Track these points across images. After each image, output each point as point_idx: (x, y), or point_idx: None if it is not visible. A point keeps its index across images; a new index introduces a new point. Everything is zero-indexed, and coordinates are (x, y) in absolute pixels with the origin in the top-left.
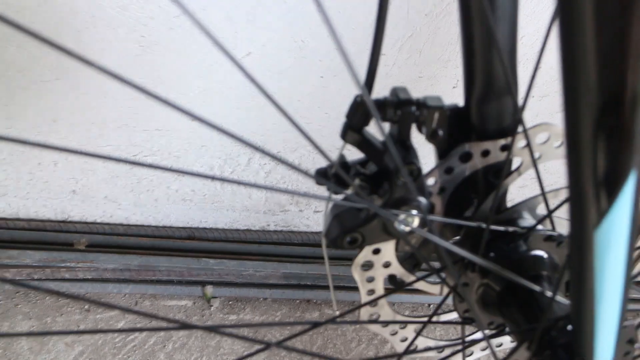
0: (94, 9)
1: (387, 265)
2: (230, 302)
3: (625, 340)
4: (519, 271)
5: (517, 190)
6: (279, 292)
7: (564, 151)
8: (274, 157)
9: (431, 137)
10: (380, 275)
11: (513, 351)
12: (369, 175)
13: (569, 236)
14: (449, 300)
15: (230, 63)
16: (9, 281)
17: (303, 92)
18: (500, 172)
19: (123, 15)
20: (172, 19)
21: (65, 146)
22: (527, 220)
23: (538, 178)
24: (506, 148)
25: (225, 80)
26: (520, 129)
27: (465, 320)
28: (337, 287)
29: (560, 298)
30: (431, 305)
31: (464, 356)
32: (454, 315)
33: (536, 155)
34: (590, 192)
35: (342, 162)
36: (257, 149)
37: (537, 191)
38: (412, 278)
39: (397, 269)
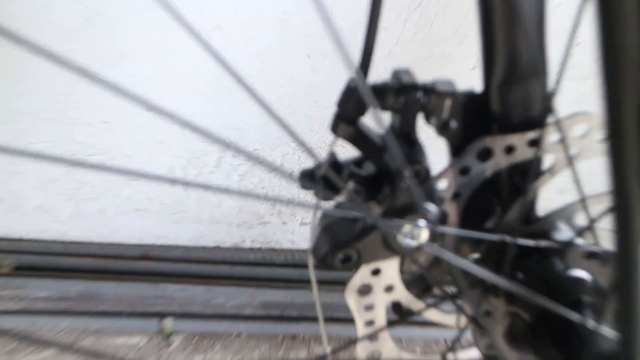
0: None
1: (389, 289)
2: (194, 339)
3: None
4: (554, 296)
5: (555, 196)
6: (257, 326)
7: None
8: (249, 156)
9: (442, 129)
10: (381, 302)
11: None
12: (366, 177)
13: (615, 252)
14: (468, 334)
15: (194, 39)
16: None
17: (286, 76)
18: (528, 173)
19: None
20: None
21: None
22: (564, 233)
23: (576, 180)
24: (535, 143)
25: (188, 60)
26: (552, 119)
27: (488, 359)
28: (328, 319)
29: (606, 329)
30: (447, 341)
31: None
32: (474, 353)
33: (573, 151)
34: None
35: (333, 162)
36: (228, 145)
37: (577, 196)
38: (421, 306)
39: (402, 295)
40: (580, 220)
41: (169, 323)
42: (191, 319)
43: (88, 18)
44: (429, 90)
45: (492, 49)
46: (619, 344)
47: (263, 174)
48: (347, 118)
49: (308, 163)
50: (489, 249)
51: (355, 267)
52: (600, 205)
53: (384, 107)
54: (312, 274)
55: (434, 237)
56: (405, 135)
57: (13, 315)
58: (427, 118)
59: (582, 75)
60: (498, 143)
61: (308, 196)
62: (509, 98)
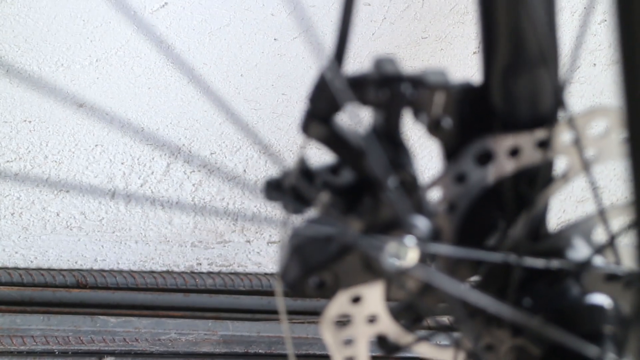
0: None
1: (372, 320)
2: None
3: None
4: (568, 327)
5: (573, 207)
6: None
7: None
8: (201, 164)
9: (433, 128)
10: (363, 335)
11: None
12: (343, 187)
13: (634, 273)
14: None
15: (136, 20)
16: None
17: (248, 63)
18: (536, 180)
19: None
20: None
21: None
22: (580, 251)
23: (593, 188)
24: (545, 144)
25: (130, 46)
26: (564, 115)
27: None
28: (302, 357)
29: None
30: None
31: None
32: None
33: (589, 153)
34: None
35: (304, 169)
36: (175, 152)
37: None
38: (410, 339)
39: (387, 326)
40: (600, 235)
41: None
42: (136, 358)
43: None
44: (417, 82)
45: (492, 31)
46: None
47: (223, 183)
48: (319, 116)
49: (276, 170)
50: (491, 271)
51: (332, 293)
52: (624, 217)
53: (363, 102)
54: (280, 302)
55: (425, 257)
56: (389, 136)
57: None
58: (416, 115)
59: (606, 60)
60: (500, 144)
61: (276, 210)
62: (513, 90)
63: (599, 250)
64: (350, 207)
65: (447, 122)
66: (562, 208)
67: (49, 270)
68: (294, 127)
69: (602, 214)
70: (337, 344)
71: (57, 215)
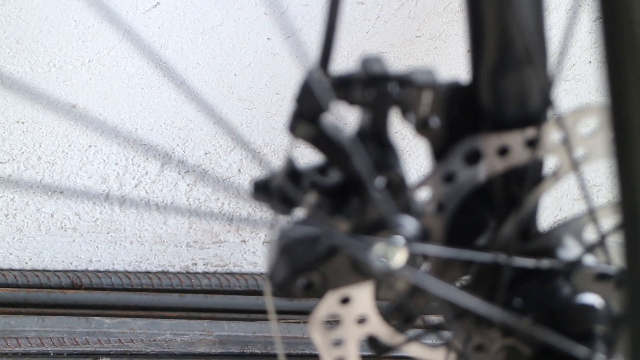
0: None
1: (362, 320)
2: None
3: None
4: (558, 327)
5: (570, 205)
6: None
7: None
8: (192, 168)
9: (421, 128)
10: (352, 336)
11: None
12: (331, 188)
13: (623, 272)
14: None
15: (128, 20)
16: None
17: (242, 62)
18: (526, 179)
19: None
20: None
21: None
22: (571, 251)
23: (582, 187)
24: (534, 143)
25: (122, 46)
26: (553, 113)
27: None
28: (293, 357)
29: None
30: None
31: None
32: None
33: (579, 152)
34: None
35: (291, 169)
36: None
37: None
38: (401, 340)
39: (377, 327)
40: (591, 235)
41: None
42: (131, 359)
43: None
44: (404, 81)
45: (480, 30)
46: None
47: (217, 183)
48: (306, 116)
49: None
50: (481, 271)
51: (320, 294)
52: (615, 216)
53: (350, 102)
54: (270, 303)
55: (414, 258)
56: (376, 136)
57: None
58: (403, 115)
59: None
60: (489, 143)
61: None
62: (501, 89)
63: (590, 249)
64: (338, 207)
65: (435, 122)
66: (559, 206)
67: (43, 271)
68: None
69: (592, 213)
70: (327, 344)
71: (52, 216)
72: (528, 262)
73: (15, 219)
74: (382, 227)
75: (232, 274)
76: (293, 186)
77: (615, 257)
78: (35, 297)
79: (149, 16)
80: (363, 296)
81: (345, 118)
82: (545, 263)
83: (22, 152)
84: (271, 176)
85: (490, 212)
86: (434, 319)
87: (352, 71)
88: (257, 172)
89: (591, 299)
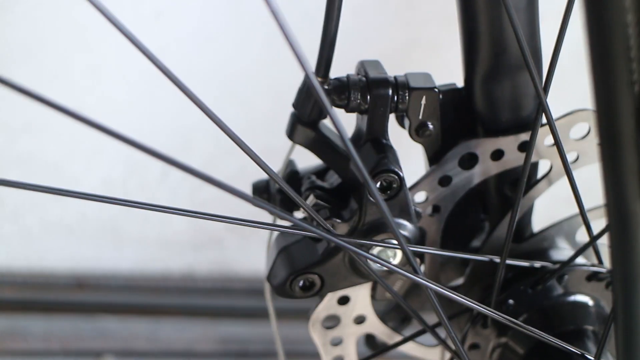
0: None
1: (360, 320)
2: None
3: None
4: (550, 326)
5: (566, 208)
6: None
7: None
8: (187, 170)
9: (417, 133)
10: (351, 335)
11: None
12: (330, 191)
13: (612, 272)
14: None
15: (132, 29)
16: None
17: (243, 69)
18: (519, 182)
19: None
20: None
21: None
22: (563, 252)
23: (574, 190)
24: (527, 147)
25: (126, 54)
26: (545, 118)
27: None
28: (294, 355)
29: None
30: None
31: None
32: None
33: (570, 156)
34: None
35: (291, 172)
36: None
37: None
38: (398, 339)
39: (375, 326)
40: (582, 236)
41: None
42: (134, 357)
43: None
44: (402, 85)
45: (473, 35)
46: None
47: (219, 185)
48: (305, 121)
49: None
50: (476, 272)
51: (319, 295)
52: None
53: (347, 107)
54: (269, 303)
55: (410, 259)
56: (373, 139)
57: None
58: (400, 119)
59: None
60: (484, 147)
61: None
62: (495, 94)
63: (581, 251)
64: (336, 210)
65: (431, 126)
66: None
67: (49, 271)
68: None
69: (583, 215)
70: (325, 344)
71: (58, 218)
72: (521, 263)
73: (23, 221)
74: (379, 230)
75: (234, 274)
76: (291, 190)
77: (606, 258)
78: (40, 297)
79: (152, 25)
80: (361, 297)
81: (343, 122)
82: (537, 264)
83: (30, 155)
84: (271, 178)
85: (485, 215)
86: (430, 319)
87: (349, 76)
88: (257, 175)
89: (582, 298)
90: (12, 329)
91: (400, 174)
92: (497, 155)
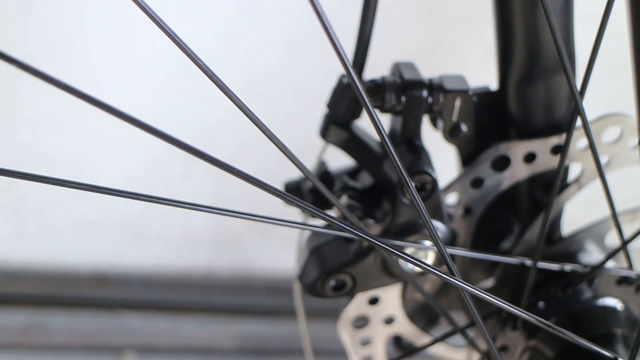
0: None
1: (389, 321)
2: None
3: None
4: (581, 329)
5: (587, 210)
6: None
7: None
8: (218, 164)
9: (451, 134)
10: (380, 335)
11: None
12: (362, 191)
13: None
14: None
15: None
16: None
17: (269, 68)
18: (551, 185)
19: None
20: None
21: None
22: (593, 255)
23: (607, 193)
24: (559, 150)
25: (150, 51)
26: (579, 121)
27: None
28: (320, 354)
29: None
30: None
31: None
32: None
33: (603, 160)
34: None
35: (323, 172)
36: (193, 150)
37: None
38: (426, 340)
39: (404, 327)
40: (612, 240)
41: (129, 358)
42: (156, 353)
43: (29, 3)
44: (436, 87)
45: (509, 38)
46: None
47: (242, 183)
48: (338, 121)
49: (296, 172)
50: (506, 274)
51: (350, 295)
52: (636, 222)
53: (382, 108)
54: (299, 302)
55: (441, 260)
56: (407, 141)
57: None
58: (434, 121)
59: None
60: (516, 150)
61: (293, 212)
62: (529, 97)
63: (612, 254)
64: (369, 210)
65: (465, 128)
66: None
67: (72, 268)
68: (315, 132)
69: (615, 219)
70: (355, 344)
71: (81, 214)
72: (552, 266)
73: (47, 217)
74: (412, 231)
75: (253, 273)
76: (325, 189)
77: (637, 262)
78: (63, 293)
79: (177, 24)
80: (391, 297)
81: (378, 123)
82: (568, 267)
83: (54, 151)
84: (303, 178)
85: (516, 217)
86: (459, 320)
87: (384, 77)
88: (283, 173)
89: (612, 302)
90: (35, 323)
91: (434, 175)
92: (530, 158)
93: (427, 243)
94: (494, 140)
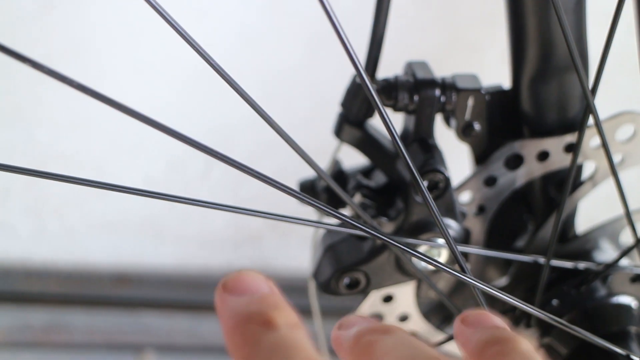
0: None
1: (404, 318)
2: None
3: None
4: (594, 326)
5: (606, 209)
6: None
7: None
8: (233, 163)
9: (464, 133)
10: None
11: None
12: (376, 190)
13: None
14: None
15: (177, 29)
16: None
17: (285, 70)
18: (564, 183)
19: None
20: None
21: None
22: (607, 253)
23: (620, 191)
24: (573, 148)
25: (170, 51)
26: (592, 120)
27: None
28: (332, 351)
29: None
30: None
31: None
32: None
33: (617, 158)
34: None
35: (337, 171)
36: (213, 153)
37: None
38: (441, 338)
39: (418, 325)
40: (627, 238)
41: (149, 357)
42: (175, 351)
43: (49, 4)
44: (449, 86)
45: (522, 37)
46: None
47: (260, 184)
48: (352, 120)
49: (310, 171)
50: (519, 272)
51: (364, 293)
52: None
53: (395, 107)
54: (314, 300)
55: (455, 258)
56: (421, 139)
57: None
58: (447, 120)
59: None
60: (530, 148)
61: (308, 210)
62: (542, 95)
63: (626, 252)
64: (382, 209)
65: (478, 127)
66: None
67: (92, 267)
68: (330, 132)
69: (628, 217)
70: None
71: (101, 213)
72: (566, 264)
73: (67, 217)
74: (425, 229)
75: (271, 272)
76: (339, 188)
77: None
78: (83, 292)
79: (196, 26)
80: (405, 295)
81: (391, 122)
82: (582, 265)
83: (74, 152)
84: (317, 177)
85: (529, 215)
86: None
87: (397, 76)
88: (301, 173)
89: (627, 300)
90: (56, 322)
91: (447, 173)
92: (543, 156)
93: (440, 241)
94: (507, 138)
